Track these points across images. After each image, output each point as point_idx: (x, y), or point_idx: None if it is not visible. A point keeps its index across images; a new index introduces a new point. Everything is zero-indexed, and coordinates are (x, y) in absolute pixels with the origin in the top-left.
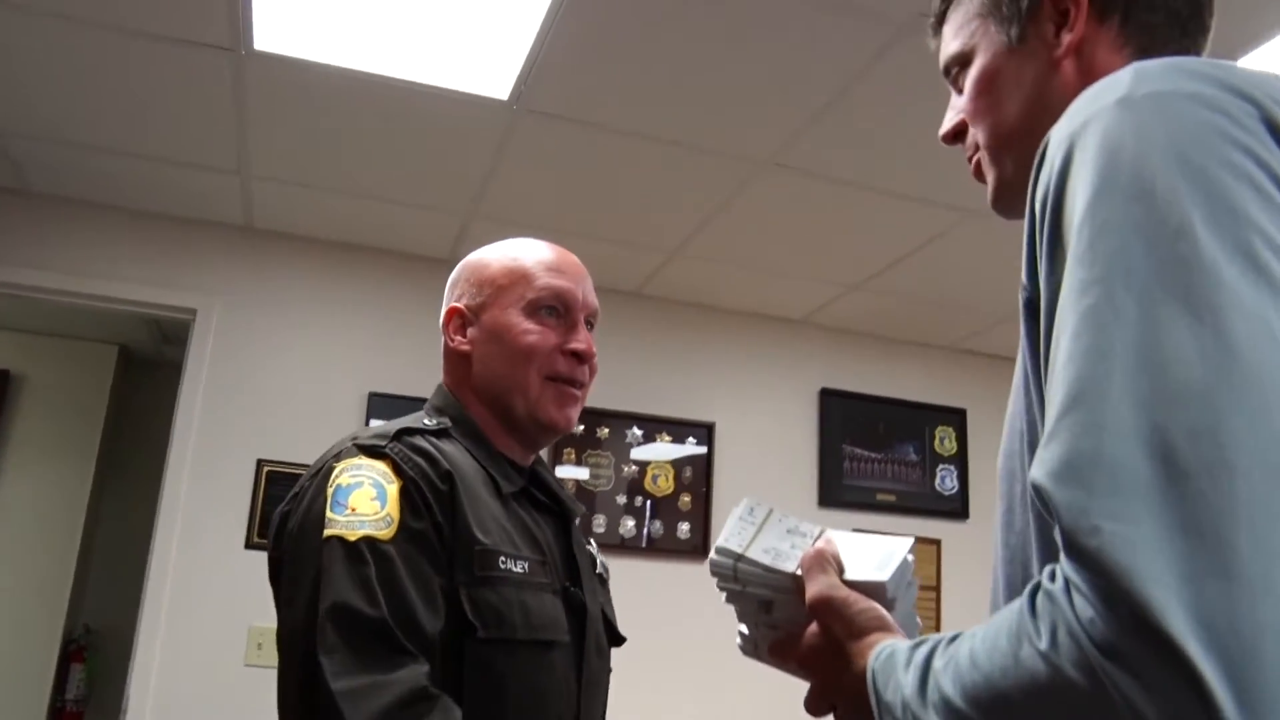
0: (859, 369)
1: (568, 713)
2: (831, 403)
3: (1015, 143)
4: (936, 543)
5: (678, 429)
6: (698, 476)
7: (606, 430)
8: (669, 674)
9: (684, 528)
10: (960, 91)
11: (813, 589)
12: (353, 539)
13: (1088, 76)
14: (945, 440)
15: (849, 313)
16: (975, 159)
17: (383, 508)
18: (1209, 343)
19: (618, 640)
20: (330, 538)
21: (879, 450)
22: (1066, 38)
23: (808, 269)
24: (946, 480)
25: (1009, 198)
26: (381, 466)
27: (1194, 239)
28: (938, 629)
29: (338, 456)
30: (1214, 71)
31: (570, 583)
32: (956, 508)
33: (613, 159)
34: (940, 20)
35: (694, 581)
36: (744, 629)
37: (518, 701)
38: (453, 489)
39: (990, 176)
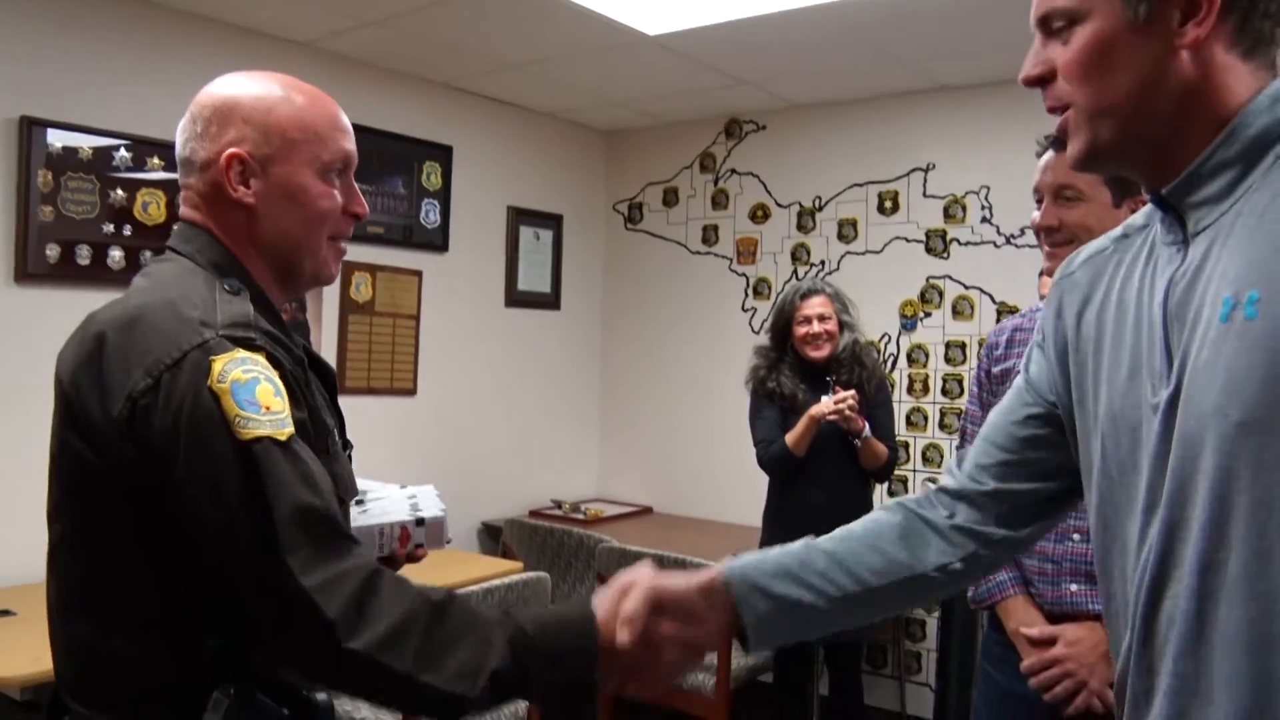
0: (355, 100)
1: None
2: None
3: (1116, 116)
4: (418, 274)
5: (170, 152)
6: None
7: (90, 151)
8: None
9: None
10: (1051, 38)
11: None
12: (283, 438)
13: (1203, 69)
14: (432, 175)
15: (355, 45)
16: (1065, 117)
17: (284, 403)
18: None
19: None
20: (261, 439)
21: (370, 183)
22: (1193, 31)
23: (333, 2)
24: (430, 214)
25: (1094, 162)
26: (261, 360)
27: None
28: (415, 354)
29: (205, 348)
30: None
31: (346, 442)
32: (438, 241)
33: None
34: None
35: None
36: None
37: None
38: (305, 373)
39: (1080, 139)
